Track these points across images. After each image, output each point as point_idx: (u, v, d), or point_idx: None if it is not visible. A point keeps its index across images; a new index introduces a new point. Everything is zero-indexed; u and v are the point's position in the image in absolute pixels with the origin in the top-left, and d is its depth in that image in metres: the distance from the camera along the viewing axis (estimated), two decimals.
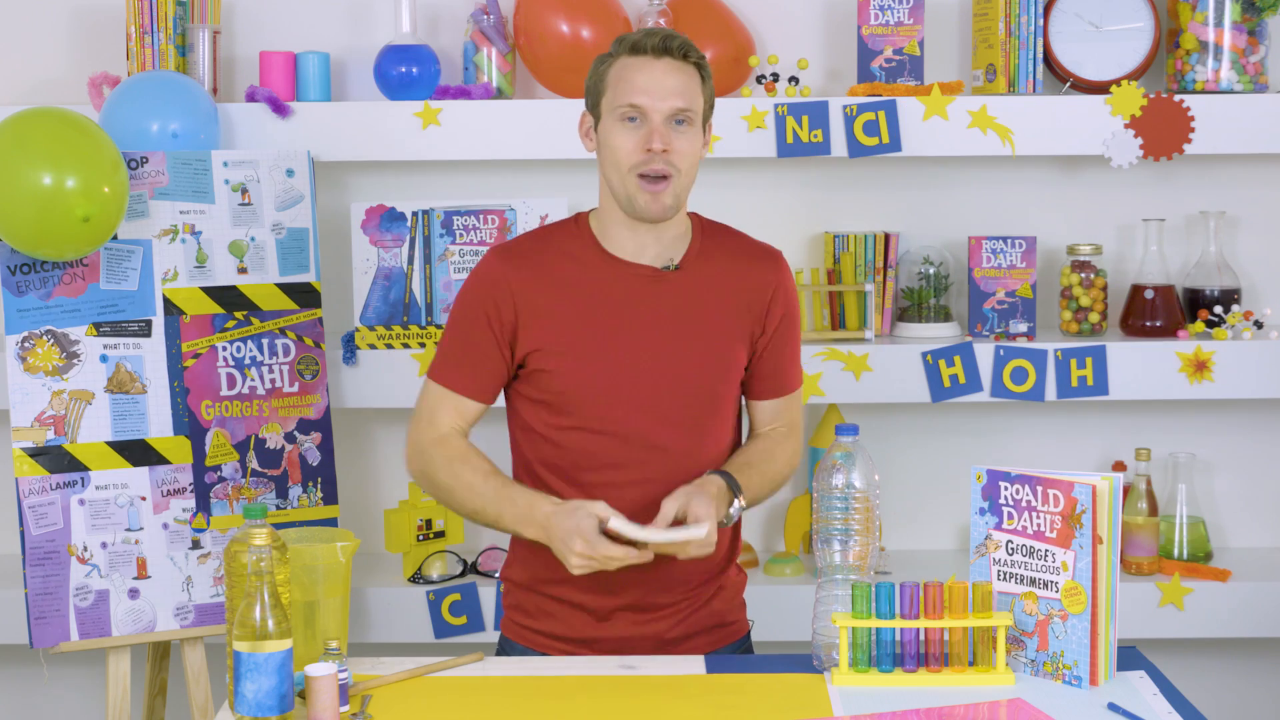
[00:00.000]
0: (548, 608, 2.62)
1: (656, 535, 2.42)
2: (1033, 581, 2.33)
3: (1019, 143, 3.36)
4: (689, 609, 2.61)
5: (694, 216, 2.67)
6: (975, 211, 3.61)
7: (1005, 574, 2.36)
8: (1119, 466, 3.58)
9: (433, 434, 2.60)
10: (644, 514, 2.51)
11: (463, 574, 3.46)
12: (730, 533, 2.67)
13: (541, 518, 2.48)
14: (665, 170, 2.50)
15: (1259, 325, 3.45)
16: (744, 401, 2.71)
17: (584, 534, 2.41)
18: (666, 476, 2.54)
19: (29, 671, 3.66)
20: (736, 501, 2.54)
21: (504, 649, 2.69)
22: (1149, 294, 3.47)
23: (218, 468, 3.19)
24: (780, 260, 2.67)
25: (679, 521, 2.46)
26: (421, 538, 3.44)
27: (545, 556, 2.54)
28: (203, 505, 3.17)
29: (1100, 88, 3.41)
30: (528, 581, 2.64)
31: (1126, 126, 3.36)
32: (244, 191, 3.24)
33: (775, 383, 2.68)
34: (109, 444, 3.12)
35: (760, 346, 2.64)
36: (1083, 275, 3.48)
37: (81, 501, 3.09)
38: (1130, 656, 2.44)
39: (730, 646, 2.67)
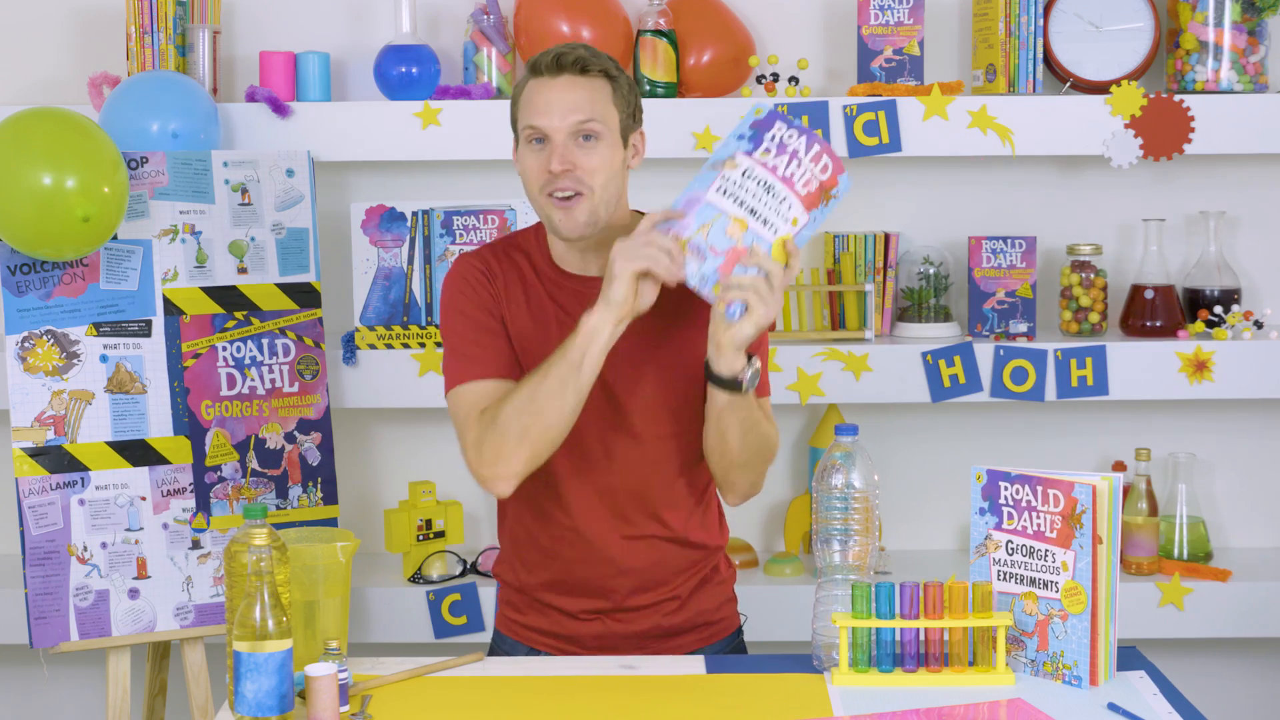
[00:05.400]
0: (535, 606, 2.62)
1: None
2: (1033, 581, 2.33)
3: (1019, 143, 3.36)
4: (673, 607, 2.60)
5: (638, 217, 2.56)
6: (975, 211, 3.61)
7: (1005, 574, 2.36)
8: (1119, 466, 3.58)
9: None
10: (618, 522, 2.53)
11: (463, 574, 3.46)
12: (716, 526, 2.66)
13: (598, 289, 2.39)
14: (570, 188, 2.43)
15: (1259, 325, 3.45)
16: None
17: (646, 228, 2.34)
18: (634, 480, 2.53)
19: (29, 671, 3.66)
20: (754, 361, 2.40)
21: (496, 643, 2.69)
22: (1149, 294, 3.47)
23: (218, 468, 3.19)
24: None
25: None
26: (421, 538, 3.44)
27: (530, 557, 2.57)
28: (203, 505, 3.17)
29: (1100, 88, 3.41)
30: (515, 583, 2.65)
31: (1126, 126, 3.36)
32: (244, 191, 3.24)
33: None
34: (109, 444, 3.12)
35: None
36: (1083, 275, 3.47)
37: (81, 501, 3.09)
38: (1130, 656, 2.44)
39: (720, 644, 2.65)
